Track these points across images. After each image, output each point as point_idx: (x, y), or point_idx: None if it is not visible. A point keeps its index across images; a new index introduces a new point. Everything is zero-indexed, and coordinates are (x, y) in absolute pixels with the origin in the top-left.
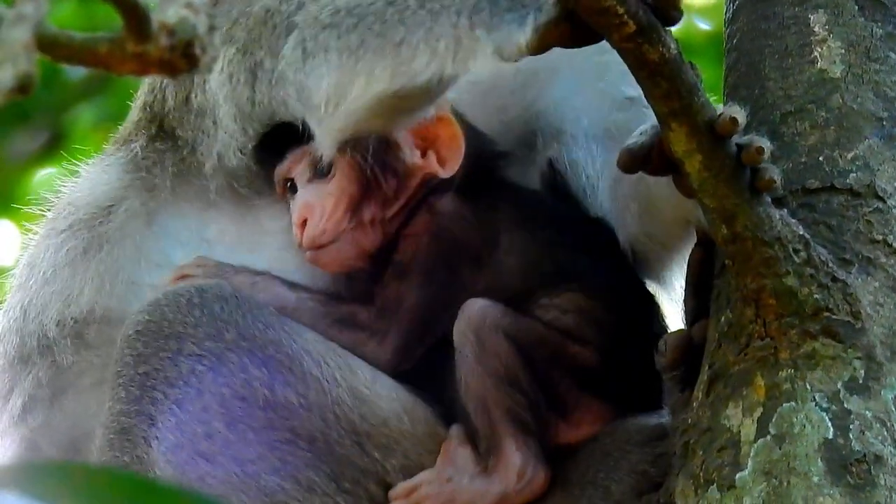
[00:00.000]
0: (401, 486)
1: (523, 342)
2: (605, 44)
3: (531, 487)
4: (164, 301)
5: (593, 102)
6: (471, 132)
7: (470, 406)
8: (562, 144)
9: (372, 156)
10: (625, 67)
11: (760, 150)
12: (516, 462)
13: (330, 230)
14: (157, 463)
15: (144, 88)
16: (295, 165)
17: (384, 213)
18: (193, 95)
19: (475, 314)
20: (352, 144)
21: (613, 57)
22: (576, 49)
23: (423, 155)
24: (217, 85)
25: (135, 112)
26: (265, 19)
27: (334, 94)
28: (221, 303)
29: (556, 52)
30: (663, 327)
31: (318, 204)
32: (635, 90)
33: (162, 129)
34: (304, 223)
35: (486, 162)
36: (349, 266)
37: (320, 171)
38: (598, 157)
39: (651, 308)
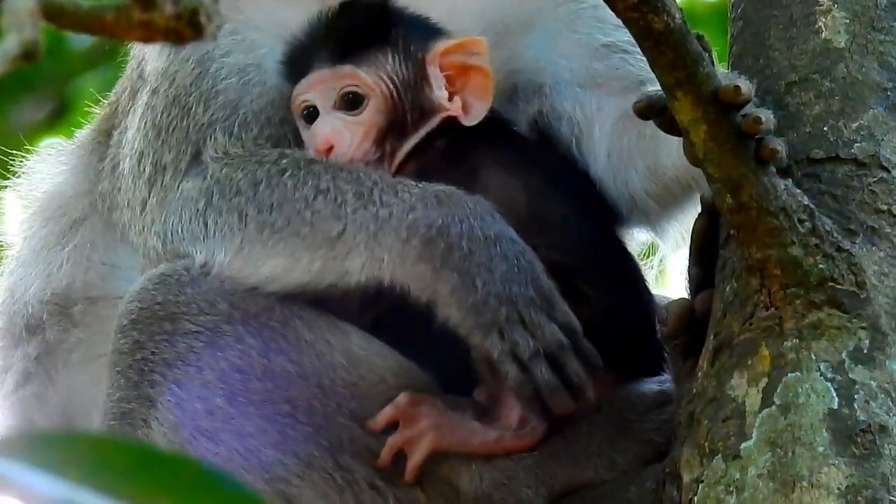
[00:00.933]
0: (406, 395)
1: None
2: None
3: (530, 435)
4: (151, 286)
5: (570, 51)
6: None
7: (478, 360)
8: (544, 97)
9: (405, 91)
10: (598, 14)
11: (758, 120)
12: (518, 410)
13: (357, 160)
14: (159, 443)
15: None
16: (319, 89)
17: (401, 145)
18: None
19: None
20: (387, 78)
21: (583, 5)
22: (545, 2)
23: (451, 98)
24: (127, 147)
25: (104, 106)
26: (176, 116)
27: (242, 263)
28: (209, 277)
29: (527, 7)
30: (648, 289)
31: (347, 133)
32: (609, 37)
33: (111, 133)
34: (328, 150)
35: None
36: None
37: (350, 101)
38: (587, 105)
39: (634, 269)
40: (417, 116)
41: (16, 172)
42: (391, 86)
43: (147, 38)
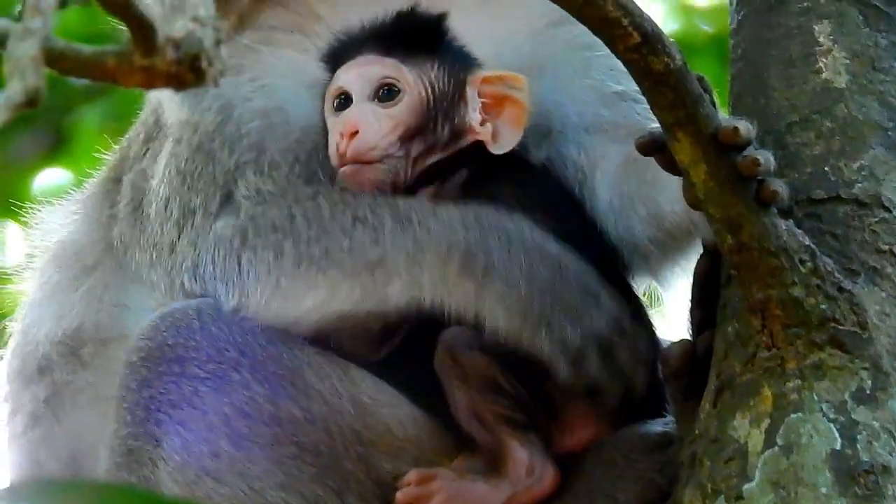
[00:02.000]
0: (415, 472)
1: (497, 351)
2: (589, 41)
3: (541, 485)
4: (163, 326)
5: (580, 98)
6: None
7: (466, 425)
8: (552, 141)
9: (440, 101)
10: (611, 63)
11: (756, 162)
12: (523, 458)
13: (380, 149)
14: (164, 483)
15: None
16: (359, 74)
17: (425, 156)
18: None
19: (447, 340)
20: (427, 82)
21: (597, 53)
22: (560, 48)
23: (482, 123)
24: (153, 194)
25: (113, 152)
26: (201, 162)
27: (280, 300)
28: (220, 323)
29: (541, 52)
30: (653, 331)
31: (376, 122)
32: (621, 85)
33: (121, 178)
34: (353, 135)
35: None
36: (378, 192)
37: (385, 94)
38: (591, 150)
39: (639, 311)
40: (448, 133)
41: (17, 205)
42: (429, 91)
43: (148, 84)
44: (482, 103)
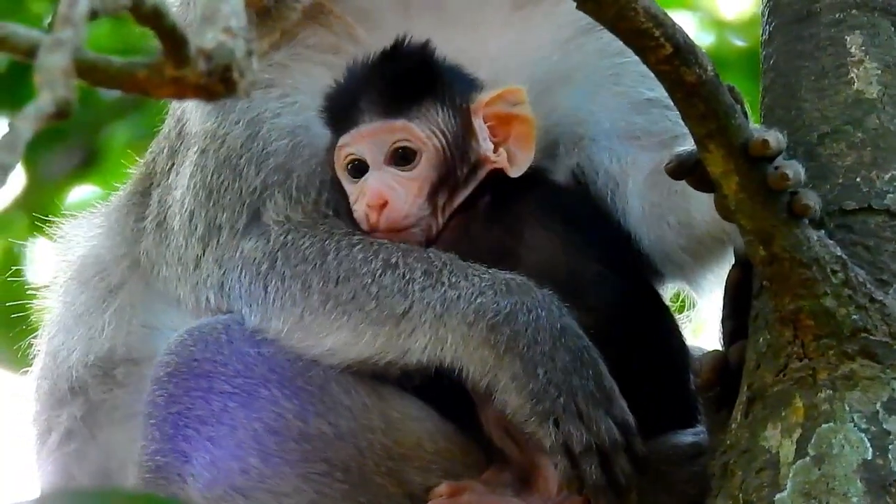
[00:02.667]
0: (446, 485)
1: None
2: (618, 48)
3: (571, 500)
4: (191, 341)
5: (611, 104)
6: None
7: (497, 440)
8: (583, 149)
9: (454, 144)
10: (641, 69)
11: (785, 177)
12: (554, 473)
13: (413, 216)
14: (194, 499)
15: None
16: (369, 143)
17: (452, 200)
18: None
19: None
20: (438, 132)
21: (628, 59)
22: (590, 56)
23: (496, 150)
24: (177, 206)
25: (138, 166)
26: (228, 177)
27: (302, 334)
28: (247, 338)
29: (571, 61)
30: (682, 341)
31: (401, 189)
32: (654, 91)
33: (149, 191)
34: (382, 206)
35: None
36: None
37: (401, 155)
38: (622, 158)
39: (666, 321)
40: (466, 170)
41: (48, 222)
42: (442, 139)
43: (179, 95)
44: (489, 127)
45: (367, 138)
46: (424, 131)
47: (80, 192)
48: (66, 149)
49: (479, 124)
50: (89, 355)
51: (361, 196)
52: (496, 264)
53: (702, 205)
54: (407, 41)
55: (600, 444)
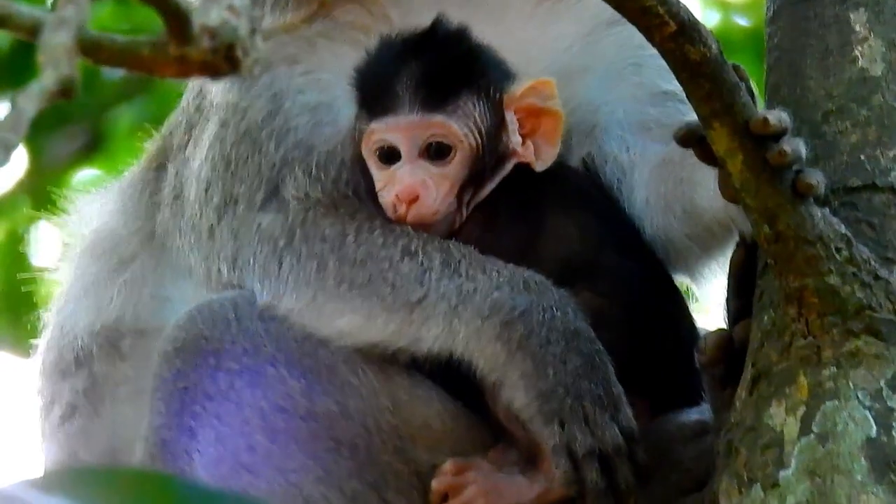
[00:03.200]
0: (452, 462)
1: None
2: (640, 41)
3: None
4: (200, 317)
5: (628, 95)
6: None
7: (504, 420)
8: (595, 138)
9: (487, 139)
10: (661, 63)
11: (783, 153)
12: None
13: (442, 212)
14: (199, 475)
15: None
16: (406, 135)
17: (477, 194)
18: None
19: None
20: (475, 128)
21: (649, 52)
22: (610, 47)
23: (524, 143)
24: (193, 176)
25: (153, 141)
26: (247, 150)
27: (314, 314)
28: (256, 317)
29: (592, 52)
30: (692, 323)
31: (433, 185)
32: (672, 84)
33: (164, 166)
34: (413, 200)
35: None
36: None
37: (435, 150)
38: (632, 148)
39: (677, 304)
40: (494, 163)
41: (55, 205)
42: (478, 136)
43: (183, 74)
44: (519, 119)
45: (403, 130)
46: (462, 129)
47: (84, 176)
48: (70, 132)
49: (511, 117)
50: (96, 323)
51: (390, 185)
52: (515, 252)
53: (707, 192)
54: (445, 24)
55: (604, 449)
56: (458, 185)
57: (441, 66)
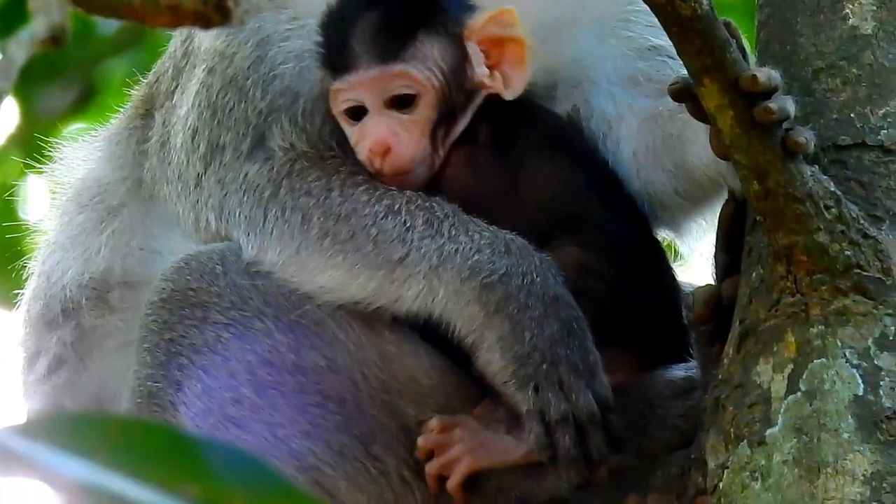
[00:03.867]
0: (438, 420)
1: None
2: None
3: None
4: (188, 269)
5: (617, 50)
6: None
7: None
8: (582, 92)
9: (451, 77)
10: (651, 19)
11: (769, 110)
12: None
13: (417, 158)
14: (186, 427)
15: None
16: (368, 89)
17: (450, 133)
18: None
19: None
20: (436, 69)
21: (639, 8)
22: (600, 3)
23: (491, 74)
24: (180, 123)
25: (140, 88)
26: (234, 98)
27: (296, 267)
28: (243, 270)
29: (583, 5)
30: (676, 281)
31: (403, 133)
32: (661, 40)
33: (151, 113)
34: (386, 152)
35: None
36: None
37: (401, 100)
38: (620, 102)
39: (662, 261)
40: (463, 99)
41: (46, 157)
42: (441, 76)
43: (174, 23)
44: (483, 49)
45: (365, 85)
46: (423, 73)
47: (76, 130)
48: (62, 85)
49: (474, 49)
50: (84, 275)
51: (362, 139)
52: (497, 193)
53: (698, 148)
54: None
55: (577, 415)
56: (429, 128)
57: (392, 13)
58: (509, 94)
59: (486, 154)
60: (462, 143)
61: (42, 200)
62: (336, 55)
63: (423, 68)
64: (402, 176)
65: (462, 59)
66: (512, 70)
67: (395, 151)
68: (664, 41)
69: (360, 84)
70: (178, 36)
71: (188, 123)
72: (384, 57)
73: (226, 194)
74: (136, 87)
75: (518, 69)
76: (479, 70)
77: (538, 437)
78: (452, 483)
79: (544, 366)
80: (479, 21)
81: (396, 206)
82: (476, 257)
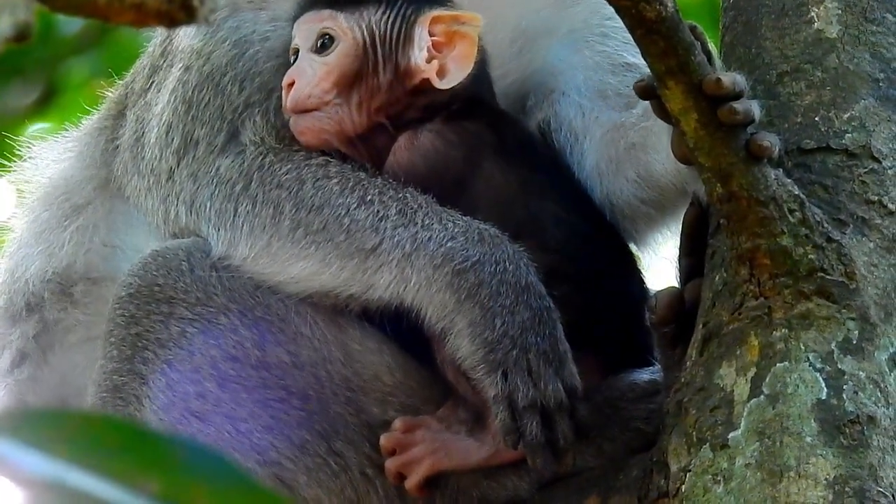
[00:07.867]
0: (401, 420)
1: None
2: (611, 13)
3: (508, 453)
4: (154, 264)
5: (591, 62)
6: (480, 55)
7: (453, 379)
8: (551, 103)
9: (381, 43)
10: (628, 37)
11: (733, 111)
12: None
13: (315, 97)
14: (149, 421)
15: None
16: (304, 30)
17: (371, 102)
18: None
19: None
20: (365, 27)
21: (617, 24)
22: (580, 14)
23: (429, 60)
24: (155, 119)
25: (114, 89)
26: (210, 93)
27: (268, 260)
28: (209, 266)
29: (562, 16)
30: (643, 284)
31: (310, 71)
32: (636, 58)
33: (123, 113)
34: (291, 85)
35: (482, 89)
36: (326, 142)
37: (321, 45)
38: (588, 114)
39: (628, 264)
40: (390, 74)
41: (8, 156)
42: (366, 35)
43: (139, 21)
44: (433, 41)
45: (303, 25)
46: (349, 22)
47: (37, 130)
48: (24, 84)
49: (421, 34)
50: (47, 270)
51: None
52: (450, 188)
53: (660, 155)
54: None
55: (545, 402)
56: (338, 75)
57: None
58: (442, 84)
59: (443, 151)
60: (411, 128)
61: (9, 199)
62: (297, 8)
63: (351, 20)
64: (302, 116)
65: (405, 38)
66: (453, 63)
67: (297, 86)
68: (639, 60)
69: (300, 26)
70: (158, 36)
71: (163, 119)
72: (325, 3)
73: (198, 188)
74: (111, 89)
75: (460, 64)
76: (418, 54)
77: (504, 422)
78: (411, 483)
79: (514, 352)
80: (438, 13)
81: (369, 197)
82: (449, 244)
